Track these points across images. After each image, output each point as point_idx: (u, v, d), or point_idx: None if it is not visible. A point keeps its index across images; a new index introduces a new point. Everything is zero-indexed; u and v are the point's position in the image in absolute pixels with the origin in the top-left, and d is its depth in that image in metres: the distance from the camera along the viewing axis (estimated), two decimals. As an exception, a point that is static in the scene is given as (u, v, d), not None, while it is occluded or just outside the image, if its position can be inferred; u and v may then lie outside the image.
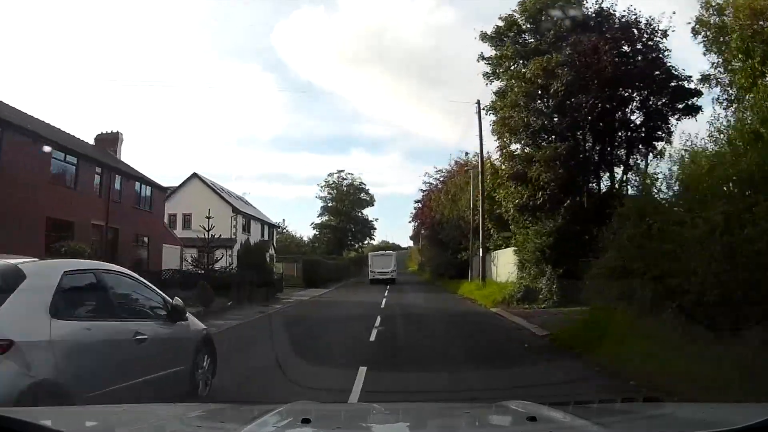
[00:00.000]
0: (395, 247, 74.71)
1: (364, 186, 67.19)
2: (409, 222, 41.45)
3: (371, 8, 78.31)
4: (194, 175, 33.28)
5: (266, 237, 37.34)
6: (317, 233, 62.98)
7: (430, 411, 2.63)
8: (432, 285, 29.03)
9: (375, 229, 68.56)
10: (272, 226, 41.53)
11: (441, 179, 35.92)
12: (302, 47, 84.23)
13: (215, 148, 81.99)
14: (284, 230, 51.30)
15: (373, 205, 67.77)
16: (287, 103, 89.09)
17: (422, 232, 43.67)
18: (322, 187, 66.28)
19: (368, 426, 2.30)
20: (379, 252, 43.28)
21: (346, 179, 65.97)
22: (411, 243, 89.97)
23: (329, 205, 66.42)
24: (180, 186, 32.69)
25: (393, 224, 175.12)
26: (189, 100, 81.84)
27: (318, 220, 64.84)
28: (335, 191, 65.81)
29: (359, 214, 67.13)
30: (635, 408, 2.54)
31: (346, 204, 66.08)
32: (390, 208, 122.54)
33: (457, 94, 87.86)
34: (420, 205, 41.67)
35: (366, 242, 69.64)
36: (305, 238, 58.46)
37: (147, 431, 1.94)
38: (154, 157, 70.61)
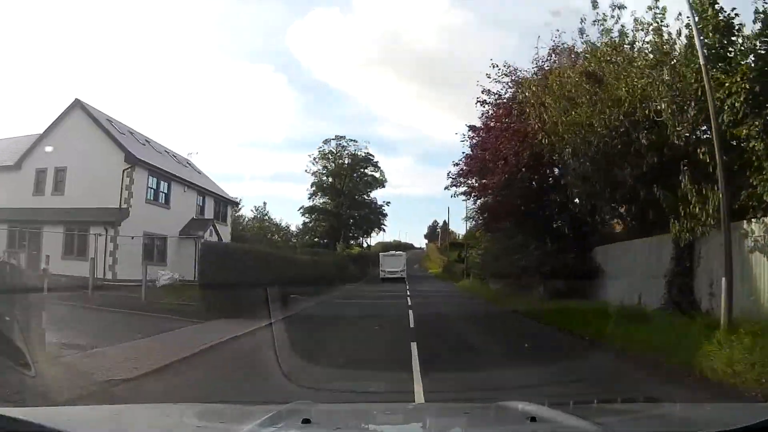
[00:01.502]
0: (408, 247, 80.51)
1: (371, 158, 60.45)
2: (447, 187, 24.69)
3: (386, 10, 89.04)
4: (76, 104, 24.87)
5: (209, 215, 29.85)
6: (307, 220, 57.16)
7: (430, 411, 3.29)
8: (529, 323, 14.69)
9: (385, 215, 62.21)
10: (225, 203, 32.94)
11: (528, 76, 19.37)
12: (316, 48, 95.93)
13: (227, 149, 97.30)
14: (264, 216, 47.18)
15: (383, 186, 62.22)
16: (300, 104, 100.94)
17: (472, 194, 24.84)
18: (314, 159, 59.71)
19: (368, 426, 2.78)
20: (390, 252, 50.88)
21: (347, 147, 59.26)
22: (425, 242, 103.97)
23: (324, 181, 60.15)
24: (54, 124, 24.43)
25: (405, 226, 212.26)
26: (201, 100, 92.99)
27: (310, 203, 59.70)
28: (333, 164, 59.62)
29: (365, 198, 60.95)
30: (635, 408, 3.03)
31: (347, 182, 59.69)
32: (403, 210, 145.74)
33: (472, 97, 63.60)
34: (476, 138, 22.18)
35: (375, 234, 65.69)
36: (294, 227, 53.62)
37: (147, 431, 2.39)
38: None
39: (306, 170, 59.04)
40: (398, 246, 70.93)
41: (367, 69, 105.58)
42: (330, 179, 56.92)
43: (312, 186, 57.24)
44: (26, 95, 68.01)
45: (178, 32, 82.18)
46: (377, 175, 58.85)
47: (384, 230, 63.58)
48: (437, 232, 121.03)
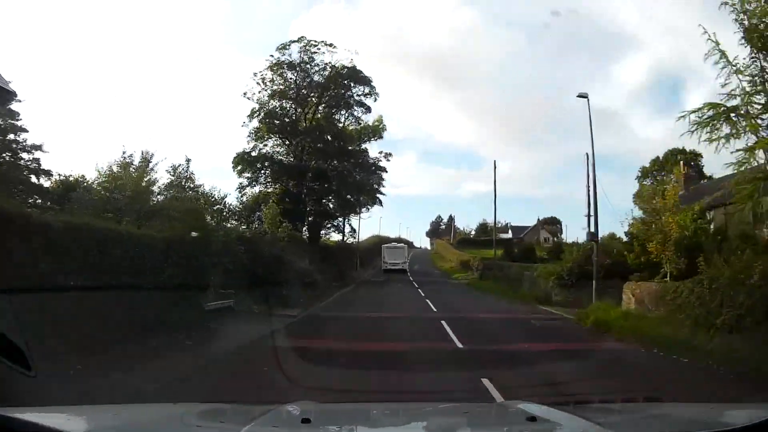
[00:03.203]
0: (409, 244, 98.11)
1: (359, 73, 49.51)
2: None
3: (391, 8, 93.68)
4: None
5: None
6: (244, 182, 47.16)
7: (430, 411, 4.27)
8: None
9: (385, 172, 54.34)
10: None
11: None
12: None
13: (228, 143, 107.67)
14: (186, 182, 36.42)
15: (381, 137, 55.17)
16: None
17: None
18: (262, 78, 48.32)
19: (368, 426, 3.83)
20: (392, 245, 69.90)
21: (320, 52, 48.36)
22: (427, 240, 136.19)
23: (279, 113, 48.41)
24: None
25: (406, 227, 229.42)
26: (205, 94, 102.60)
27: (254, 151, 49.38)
28: (295, 85, 48.20)
29: (347, 145, 50.14)
30: (635, 408, 4.11)
31: (318, 113, 49.39)
32: (402, 209, 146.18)
33: (477, 97, 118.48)
34: None
35: (366, 211, 57.43)
36: (235, 200, 43.77)
37: (147, 431, 3.41)
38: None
39: (245, 94, 48.83)
40: (399, 241, 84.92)
41: (370, 65, 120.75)
42: (293, 109, 48.09)
43: (253, 115, 47.18)
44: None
45: (181, 25, 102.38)
46: (371, 103, 50.62)
47: (380, 202, 56.93)
48: (441, 229, 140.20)
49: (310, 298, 28.23)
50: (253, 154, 46.88)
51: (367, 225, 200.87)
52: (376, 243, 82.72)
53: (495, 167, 56.06)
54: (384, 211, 78.76)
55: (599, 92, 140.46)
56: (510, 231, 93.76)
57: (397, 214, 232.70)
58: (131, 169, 29.93)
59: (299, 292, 27.50)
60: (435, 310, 26.74)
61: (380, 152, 53.38)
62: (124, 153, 30.23)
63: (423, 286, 43.31)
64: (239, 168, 46.66)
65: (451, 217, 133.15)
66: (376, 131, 53.08)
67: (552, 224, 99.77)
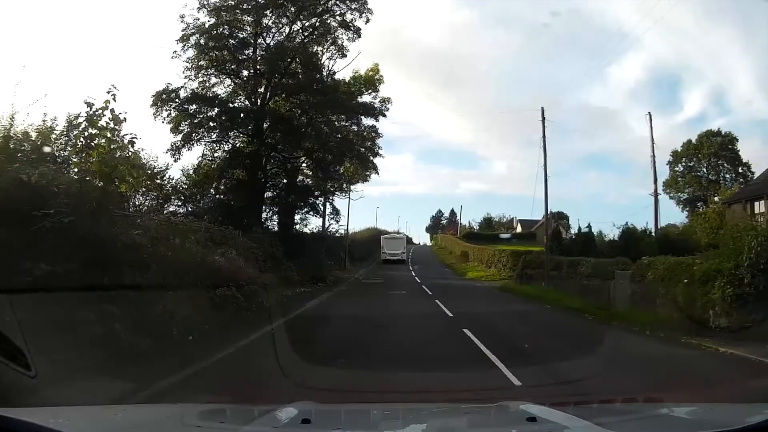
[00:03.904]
0: (408, 239, 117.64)
1: None
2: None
3: (388, 6, 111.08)
4: None
5: None
6: (177, 141, 34.39)
7: (430, 411, 4.47)
8: None
9: (383, 117, 41.94)
10: None
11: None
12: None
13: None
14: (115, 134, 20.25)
15: (377, 90, 42.83)
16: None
17: None
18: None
19: (368, 426, 4.01)
20: (391, 235, 79.40)
21: None
22: (428, 237, 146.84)
23: (216, 35, 35.47)
24: None
25: (405, 220, 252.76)
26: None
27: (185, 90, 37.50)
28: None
29: (324, 82, 39.01)
30: (635, 408, 4.19)
31: (289, 42, 38.51)
32: (402, 207, 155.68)
33: (473, 96, 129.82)
34: None
35: (361, 184, 47.91)
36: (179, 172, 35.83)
37: (147, 431, 3.66)
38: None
39: (182, 18, 37.37)
40: (398, 233, 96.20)
41: (367, 63, 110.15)
42: (249, 35, 37.12)
43: (186, 40, 35.48)
44: None
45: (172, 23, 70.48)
46: (362, 25, 40.38)
47: (377, 170, 47.78)
48: (442, 224, 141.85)
49: (201, 335, 13.05)
50: (183, 93, 35.37)
51: (363, 217, 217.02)
52: (373, 235, 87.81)
53: (543, 117, 44.95)
54: (381, 201, 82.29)
55: (597, 92, 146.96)
56: (519, 225, 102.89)
57: (395, 211, 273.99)
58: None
59: (194, 317, 13.02)
60: (518, 383, 10.22)
61: (374, 96, 43.55)
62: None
63: (441, 295, 31.36)
64: (170, 118, 34.40)
65: (453, 211, 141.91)
66: (370, 82, 44.15)
67: (560, 219, 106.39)
